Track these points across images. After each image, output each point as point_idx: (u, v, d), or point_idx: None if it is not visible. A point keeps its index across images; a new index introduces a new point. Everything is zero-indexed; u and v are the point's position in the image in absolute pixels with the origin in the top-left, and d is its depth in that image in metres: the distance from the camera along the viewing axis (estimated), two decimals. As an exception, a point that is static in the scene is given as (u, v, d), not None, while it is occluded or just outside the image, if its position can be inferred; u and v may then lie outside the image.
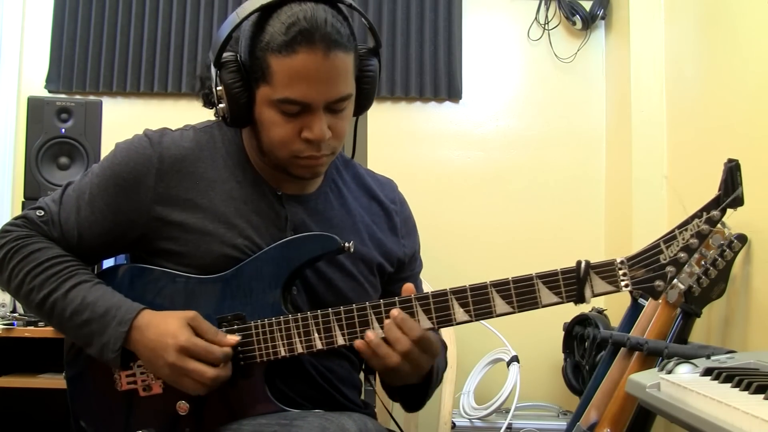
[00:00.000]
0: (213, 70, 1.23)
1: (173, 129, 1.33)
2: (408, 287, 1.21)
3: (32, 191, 2.45)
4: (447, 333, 2.19)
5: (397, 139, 3.14)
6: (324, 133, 1.21)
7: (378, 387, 1.43)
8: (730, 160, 1.14)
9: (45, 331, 2.32)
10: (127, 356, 1.22)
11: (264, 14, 1.19)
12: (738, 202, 1.13)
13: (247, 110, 1.23)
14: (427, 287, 1.73)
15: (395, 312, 1.17)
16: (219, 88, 1.22)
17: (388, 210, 1.42)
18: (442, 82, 3.12)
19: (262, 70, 1.19)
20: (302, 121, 1.21)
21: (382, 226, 1.41)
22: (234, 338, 1.20)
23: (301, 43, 1.15)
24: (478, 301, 1.17)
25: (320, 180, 1.37)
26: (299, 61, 1.16)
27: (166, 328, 1.17)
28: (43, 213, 1.28)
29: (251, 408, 1.22)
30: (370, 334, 1.17)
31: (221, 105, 1.23)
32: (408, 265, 1.44)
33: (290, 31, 1.15)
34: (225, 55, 1.21)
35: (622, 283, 1.15)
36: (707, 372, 1.22)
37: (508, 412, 2.62)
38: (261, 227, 1.28)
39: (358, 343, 1.18)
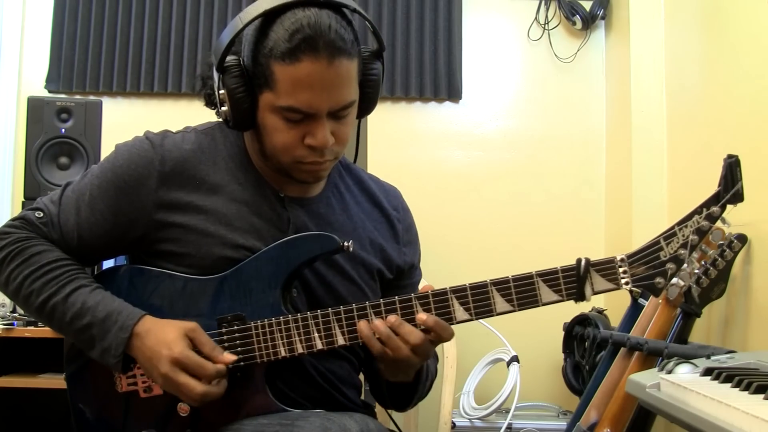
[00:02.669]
0: (215, 74, 1.23)
1: (174, 131, 1.32)
2: (427, 287, 1.21)
3: (32, 191, 2.45)
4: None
5: (397, 139, 3.14)
6: (327, 140, 1.20)
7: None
8: (729, 156, 1.14)
9: (45, 331, 2.31)
10: (128, 360, 1.21)
11: (267, 20, 1.17)
12: (738, 197, 1.12)
13: (250, 115, 1.23)
14: (427, 287, 1.73)
15: (392, 318, 1.17)
16: (222, 92, 1.22)
17: (390, 217, 1.41)
18: (442, 82, 3.12)
19: (265, 76, 1.18)
20: (305, 128, 1.20)
21: (384, 232, 1.40)
22: (230, 357, 1.19)
23: (305, 51, 1.14)
24: (479, 300, 1.17)
25: (323, 183, 1.36)
26: (303, 69, 1.15)
27: (164, 337, 1.16)
28: (42, 214, 1.27)
29: (252, 408, 1.22)
30: (378, 325, 1.17)
31: (224, 108, 1.23)
32: (407, 274, 1.43)
33: (294, 39, 1.14)
34: (228, 59, 1.20)
35: (623, 281, 1.15)
36: (707, 372, 1.22)
37: (508, 412, 2.62)
38: (263, 229, 1.27)
39: (362, 326, 1.17)
